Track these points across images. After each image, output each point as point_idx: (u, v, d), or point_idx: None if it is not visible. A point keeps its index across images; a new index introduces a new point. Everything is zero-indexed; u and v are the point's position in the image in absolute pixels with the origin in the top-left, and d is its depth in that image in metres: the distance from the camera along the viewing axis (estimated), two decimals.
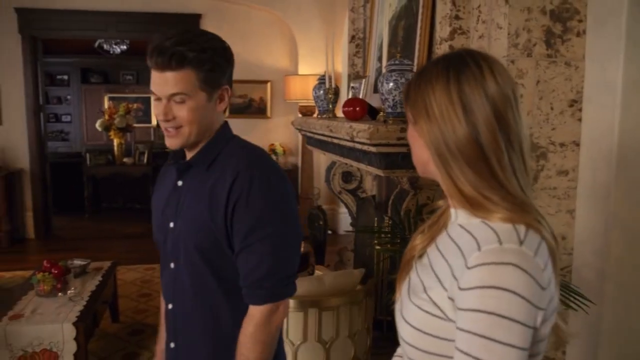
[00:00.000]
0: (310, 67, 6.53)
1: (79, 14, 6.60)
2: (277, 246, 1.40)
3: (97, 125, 8.41)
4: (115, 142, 8.47)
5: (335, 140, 3.49)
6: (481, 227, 0.97)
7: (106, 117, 8.34)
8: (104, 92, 10.11)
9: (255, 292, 1.40)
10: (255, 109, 7.09)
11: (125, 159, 8.52)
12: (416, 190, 2.99)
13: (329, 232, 5.42)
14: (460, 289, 0.93)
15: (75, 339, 3.14)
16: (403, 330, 1.03)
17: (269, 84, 7.02)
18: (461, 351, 0.91)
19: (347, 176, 4.35)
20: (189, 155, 1.52)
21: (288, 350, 2.53)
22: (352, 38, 4.44)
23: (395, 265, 3.07)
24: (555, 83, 2.42)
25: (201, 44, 1.40)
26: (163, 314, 1.66)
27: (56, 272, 3.55)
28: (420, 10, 3.08)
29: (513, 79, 1.03)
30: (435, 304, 0.98)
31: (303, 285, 2.65)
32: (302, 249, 3.96)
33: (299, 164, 7.01)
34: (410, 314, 1.01)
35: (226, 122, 1.58)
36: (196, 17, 6.81)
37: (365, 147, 2.90)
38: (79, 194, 8.44)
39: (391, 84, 2.82)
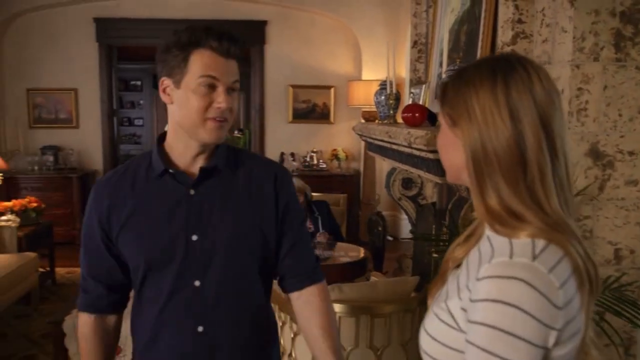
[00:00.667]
0: (374, 72, 6.51)
1: (151, 22, 6.84)
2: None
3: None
4: None
5: (394, 146, 3.46)
6: (503, 240, 0.93)
7: None
8: None
9: (316, 272, 1.53)
10: (318, 114, 7.13)
11: None
12: None
13: (390, 238, 5.38)
14: (471, 300, 0.91)
15: None
16: (422, 339, 1.02)
17: (332, 90, 7.05)
18: None
19: (407, 182, 4.31)
20: (195, 162, 1.41)
21: None
22: (415, 43, 4.40)
23: None
24: (624, 88, 2.31)
25: (240, 38, 1.42)
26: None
27: None
28: (483, 15, 3.02)
29: (557, 87, 0.98)
30: (450, 313, 0.96)
31: (356, 290, 2.64)
32: (360, 255, 3.94)
33: (361, 170, 6.99)
34: (430, 323, 1.00)
35: None
36: (262, 24, 6.94)
37: (422, 154, 2.86)
38: None
39: None
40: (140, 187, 1.41)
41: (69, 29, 6.80)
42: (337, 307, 2.54)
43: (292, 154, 7.06)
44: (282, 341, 2.84)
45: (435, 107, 3.26)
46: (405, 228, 6.20)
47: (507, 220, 0.93)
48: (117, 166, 1.63)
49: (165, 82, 1.39)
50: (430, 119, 3.28)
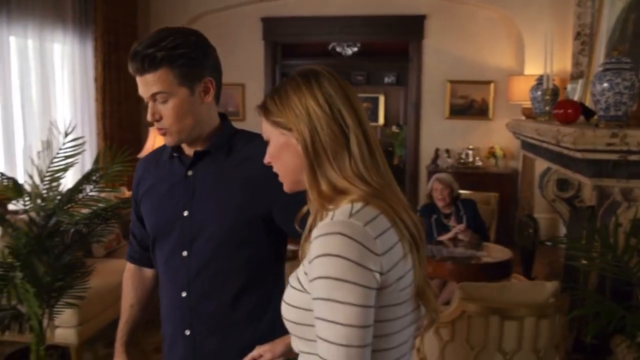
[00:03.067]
0: (538, 67, 6.18)
1: (313, 20, 7.16)
2: None
3: None
4: None
5: (544, 145, 3.31)
6: (328, 212, 1.12)
7: None
8: None
9: None
10: (476, 110, 6.95)
11: None
12: (630, 203, 2.70)
13: (547, 243, 5.12)
14: (308, 262, 1.06)
15: None
16: (282, 308, 1.16)
17: (492, 85, 6.83)
18: (316, 317, 1.03)
19: (562, 183, 4.07)
20: (193, 148, 1.57)
21: (466, 354, 2.50)
22: (577, 35, 4.14)
23: (605, 282, 2.81)
24: None
25: (171, 43, 1.45)
26: (129, 307, 1.76)
27: None
28: None
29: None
30: (298, 279, 1.12)
31: (488, 290, 2.59)
32: (505, 256, 3.82)
33: (519, 169, 6.70)
34: (286, 292, 1.16)
35: (224, 114, 1.66)
36: (421, 19, 6.91)
37: (570, 153, 2.71)
38: None
39: (605, 84, 2.60)
40: (160, 167, 1.64)
41: (239, 30, 7.35)
42: (468, 306, 2.52)
43: (447, 151, 6.97)
44: None
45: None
46: (563, 232, 5.84)
47: (334, 198, 1.11)
48: None
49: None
50: (585, 115, 3.09)
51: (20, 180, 3.11)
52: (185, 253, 1.55)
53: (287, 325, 1.16)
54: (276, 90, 1.18)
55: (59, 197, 3.04)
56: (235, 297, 1.55)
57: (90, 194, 3.13)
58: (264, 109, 1.19)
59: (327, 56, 9.74)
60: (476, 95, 6.91)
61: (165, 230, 1.58)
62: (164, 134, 1.53)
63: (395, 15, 6.91)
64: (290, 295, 1.14)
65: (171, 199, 1.58)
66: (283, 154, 1.17)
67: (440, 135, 7.08)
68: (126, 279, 1.79)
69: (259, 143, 1.33)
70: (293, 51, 9.36)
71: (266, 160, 1.22)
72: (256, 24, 7.30)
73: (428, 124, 7.16)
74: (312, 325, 1.05)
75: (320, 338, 1.03)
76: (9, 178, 3.03)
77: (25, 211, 3.27)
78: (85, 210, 3.12)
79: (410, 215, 1.12)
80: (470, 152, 6.87)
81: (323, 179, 1.12)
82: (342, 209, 1.08)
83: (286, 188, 1.21)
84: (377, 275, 1.02)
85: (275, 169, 1.21)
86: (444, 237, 4.21)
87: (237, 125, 1.70)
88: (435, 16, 6.91)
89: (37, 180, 3.05)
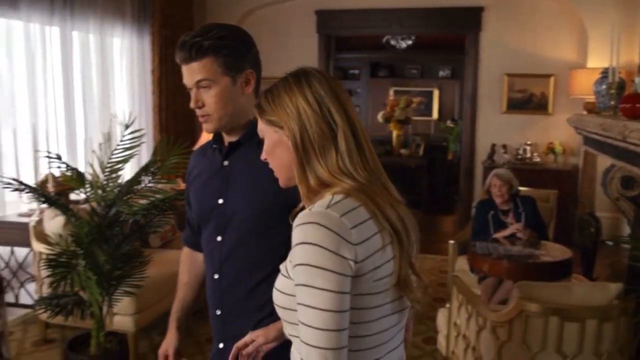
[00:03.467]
0: (602, 59, 5.97)
1: (368, 13, 7.12)
2: None
3: (379, 117, 8.97)
4: (394, 133, 8.93)
5: (609, 140, 3.21)
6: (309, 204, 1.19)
7: (388, 109, 8.84)
8: (390, 85, 10.70)
9: None
10: (535, 105, 6.77)
11: (402, 150, 8.93)
12: None
13: (610, 243, 4.95)
14: (292, 250, 1.13)
15: None
16: (273, 294, 1.24)
17: (552, 79, 6.64)
18: (297, 302, 1.11)
19: (627, 181, 3.91)
20: (230, 137, 1.66)
21: (523, 354, 2.45)
22: None
23: None
24: None
25: (217, 34, 1.54)
26: (182, 285, 1.89)
27: None
28: None
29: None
30: (285, 266, 1.20)
31: (548, 290, 2.53)
32: (565, 256, 3.72)
33: (580, 165, 6.49)
34: (277, 279, 1.23)
35: None
36: (478, 10, 6.78)
37: (638, 149, 2.62)
38: None
39: None
40: (205, 157, 1.76)
41: (292, 23, 7.38)
42: (526, 306, 2.46)
43: (504, 146, 6.82)
44: (466, 333, 2.84)
45: None
46: (626, 232, 5.64)
47: (320, 191, 1.18)
48: None
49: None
50: None
51: (81, 171, 3.22)
52: (219, 238, 1.66)
53: (277, 310, 1.24)
54: (270, 90, 1.26)
55: (118, 188, 3.14)
56: (259, 283, 1.62)
57: (149, 185, 3.22)
58: (259, 108, 1.26)
59: (381, 49, 9.68)
60: (535, 89, 6.73)
61: (206, 217, 1.69)
62: (205, 121, 1.61)
63: (452, 7, 6.81)
64: (279, 281, 1.22)
65: (210, 188, 1.69)
66: (277, 150, 1.25)
67: (496, 130, 6.93)
68: (182, 260, 1.92)
69: None
70: (347, 44, 9.35)
71: (262, 157, 1.30)
72: (310, 17, 7.31)
73: (484, 119, 7.03)
74: (296, 310, 1.13)
75: (301, 322, 1.10)
76: (73, 169, 3.15)
77: (86, 201, 3.39)
78: (143, 201, 3.21)
79: (397, 209, 1.20)
80: (528, 147, 6.71)
81: (311, 174, 1.19)
82: (322, 201, 1.15)
83: (281, 183, 1.29)
84: (352, 263, 1.09)
85: (270, 165, 1.29)
86: (501, 235, 4.13)
87: None
88: (493, 8, 6.76)
89: (98, 171, 3.15)
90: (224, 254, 1.65)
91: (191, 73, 1.56)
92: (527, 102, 6.80)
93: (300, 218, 1.12)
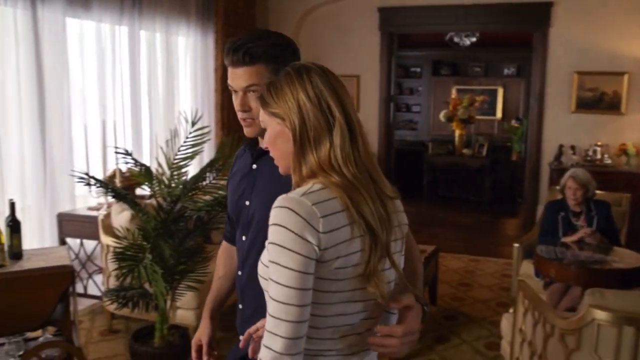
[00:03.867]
0: None
1: (431, 9, 7.03)
2: None
3: (441, 116, 8.86)
4: (457, 133, 8.80)
5: None
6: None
7: (450, 108, 8.72)
8: (452, 83, 10.54)
9: None
10: (606, 104, 6.53)
11: (464, 150, 8.79)
12: None
13: None
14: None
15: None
16: (258, 266, 1.36)
17: (625, 76, 6.38)
18: (269, 277, 1.23)
19: None
20: (263, 142, 1.66)
21: None
22: None
23: None
24: None
25: (269, 41, 1.58)
26: (217, 278, 1.97)
27: None
28: None
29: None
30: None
31: (622, 298, 2.43)
32: (638, 262, 3.57)
33: None
34: (262, 253, 1.32)
35: None
36: (547, 6, 6.59)
37: None
38: (419, 180, 9.05)
39: None
40: (242, 157, 1.83)
41: (354, 20, 7.38)
42: (598, 314, 2.38)
43: (572, 147, 6.61)
44: (532, 340, 2.77)
45: None
46: None
47: (307, 181, 1.28)
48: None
49: None
50: None
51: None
52: (244, 238, 1.75)
53: (260, 280, 1.35)
54: (273, 83, 1.34)
55: (183, 184, 3.22)
56: None
57: (212, 182, 3.29)
58: (262, 101, 1.35)
59: (444, 47, 9.53)
60: (607, 88, 6.49)
61: (236, 216, 1.79)
62: (248, 125, 1.66)
63: (520, 2, 6.65)
64: (263, 255, 1.32)
65: (240, 189, 1.77)
66: (278, 141, 1.33)
67: (564, 130, 6.73)
68: (220, 254, 2.00)
69: None
70: (408, 42, 9.27)
71: (264, 146, 1.39)
72: (372, 14, 7.29)
73: (552, 118, 6.83)
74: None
75: (269, 295, 1.23)
76: (141, 164, 3.25)
77: (151, 196, 3.49)
78: (206, 198, 3.28)
79: (377, 206, 1.26)
80: (599, 149, 6.48)
81: (305, 164, 1.28)
82: (301, 188, 1.26)
83: (281, 171, 1.38)
84: (316, 248, 1.19)
85: (271, 154, 1.38)
86: (569, 239, 4.00)
87: None
88: (563, 2, 6.56)
89: (165, 167, 3.24)
90: (245, 253, 1.74)
91: (241, 77, 1.60)
92: (597, 101, 6.57)
93: (277, 201, 1.23)
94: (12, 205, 3.04)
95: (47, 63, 4.34)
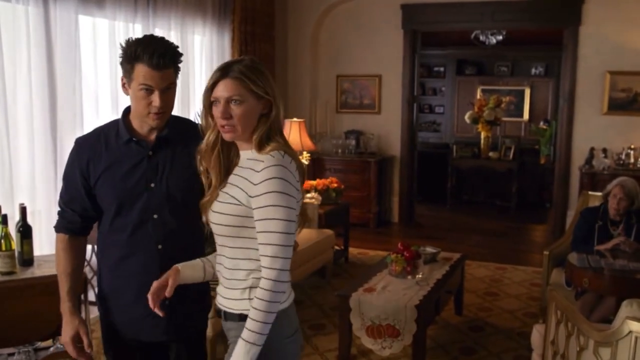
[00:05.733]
0: None
1: (456, 6, 6.99)
2: None
3: (466, 117, 8.79)
4: (482, 135, 8.72)
5: None
6: (264, 155, 1.76)
7: (475, 109, 8.65)
8: (477, 83, 10.47)
9: None
10: None
11: (490, 153, 8.71)
12: None
13: None
14: (254, 184, 1.73)
15: (416, 321, 3.42)
16: (212, 217, 1.82)
17: None
18: (267, 218, 1.70)
19: None
20: (153, 132, 2.04)
21: None
22: None
23: None
24: None
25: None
26: (68, 274, 2.10)
27: (407, 255, 3.90)
28: None
29: None
30: (234, 197, 1.77)
31: None
32: None
33: None
34: (218, 207, 1.80)
35: None
36: (578, 2, 6.52)
37: None
38: (443, 184, 8.98)
39: None
40: (112, 149, 2.05)
41: (376, 18, 7.36)
42: (635, 326, 2.33)
43: (604, 150, 6.52)
44: (566, 353, 2.72)
45: None
46: None
47: (263, 145, 1.78)
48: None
49: (123, 80, 2.02)
50: None
51: None
52: (155, 216, 2.03)
53: (219, 228, 1.80)
54: (257, 69, 1.78)
55: None
56: (195, 249, 2.14)
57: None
58: (248, 78, 1.75)
59: (469, 45, 9.48)
60: None
61: (132, 198, 2.02)
62: (158, 118, 1.99)
63: None
64: (223, 208, 1.78)
65: (135, 174, 2.02)
66: (251, 114, 1.77)
67: (596, 132, 6.65)
68: (62, 250, 2.11)
69: (184, 120, 2.26)
70: (432, 40, 9.22)
71: (227, 115, 1.75)
72: (395, 12, 7.26)
73: (582, 120, 6.75)
74: (245, 227, 1.75)
75: (269, 230, 1.69)
76: None
77: None
78: None
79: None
80: (632, 152, 6.40)
81: (262, 134, 1.78)
82: (275, 153, 1.75)
83: (230, 137, 1.79)
84: (299, 194, 1.77)
85: (234, 122, 1.75)
86: (602, 247, 3.93)
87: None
88: (595, 0, 6.48)
89: None
90: (166, 228, 2.06)
91: (162, 79, 1.95)
92: (631, 102, 6.49)
93: (269, 161, 1.73)
94: (23, 210, 3.03)
95: (59, 62, 4.36)
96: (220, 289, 1.88)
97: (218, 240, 1.85)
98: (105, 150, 2.05)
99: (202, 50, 6.13)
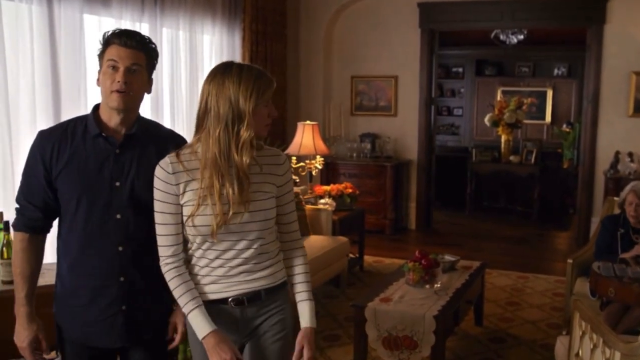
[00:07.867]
0: None
1: (475, 5, 6.99)
2: None
3: (486, 119, 8.77)
4: (503, 138, 8.70)
5: None
6: (270, 150, 2.12)
7: (495, 111, 8.63)
8: (497, 84, 10.45)
9: None
10: None
11: (511, 157, 8.68)
12: None
13: None
14: (279, 175, 2.08)
15: (435, 332, 3.42)
16: (256, 216, 1.98)
17: None
18: (292, 200, 2.13)
19: None
20: (120, 128, 2.08)
21: None
22: None
23: None
24: None
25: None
26: (26, 277, 2.12)
27: (425, 263, 3.89)
28: None
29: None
30: (265, 192, 2.01)
31: None
32: None
33: None
34: (255, 205, 1.99)
35: None
36: (601, 1, 6.49)
37: None
38: (462, 189, 8.96)
39: None
40: (78, 143, 2.07)
41: (392, 17, 7.37)
42: None
43: (630, 154, 6.48)
44: (580, 352, 2.72)
45: None
46: None
47: (261, 145, 2.08)
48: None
49: (98, 71, 2.09)
50: None
51: None
52: (118, 216, 2.06)
53: (262, 224, 1.99)
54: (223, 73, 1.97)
55: None
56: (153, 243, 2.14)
57: None
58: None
59: (489, 45, 9.46)
60: None
61: (95, 195, 2.04)
62: (120, 97, 2.04)
63: None
64: (265, 204, 2.00)
65: (101, 171, 2.05)
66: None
67: (621, 135, 6.62)
68: (21, 250, 2.11)
69: (157, 125, 2.30)
70: (451, 39, 9.22)
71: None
72: (412, 11, 7.27)
73: (607, 123, 6.72)
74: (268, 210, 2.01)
75: (294, 210, 2.15)
76: None
77: None
78: None
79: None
80: None
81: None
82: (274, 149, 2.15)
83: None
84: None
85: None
86: (627, 255, 3.91)
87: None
88: None
89: None
90: (130, 228, 2.09)
91: (127, 56, 2.05)
92: None
93: (283, 156, 2.11)
94: None
95: (64, 62, 4.39)
96: (248, 276, 2.01)
97: (250, 235, 1.99)
98: (70, 143, 2.07)
99: (211, 50, 6.17)
